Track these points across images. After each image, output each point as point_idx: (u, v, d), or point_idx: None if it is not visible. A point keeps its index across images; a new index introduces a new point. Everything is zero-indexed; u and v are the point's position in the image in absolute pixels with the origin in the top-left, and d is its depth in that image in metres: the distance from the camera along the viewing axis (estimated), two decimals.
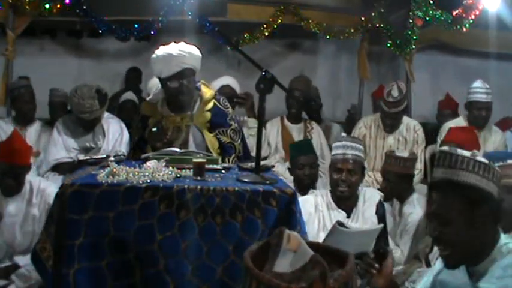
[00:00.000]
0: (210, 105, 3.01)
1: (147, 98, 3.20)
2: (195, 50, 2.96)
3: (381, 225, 2.82)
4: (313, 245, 1.16)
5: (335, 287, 1.04)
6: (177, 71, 2.88)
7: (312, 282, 1.02)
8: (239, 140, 3.03)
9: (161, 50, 2.92)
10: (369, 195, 3.12)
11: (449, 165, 1.70)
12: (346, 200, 3.07)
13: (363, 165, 3.15)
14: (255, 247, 1.19)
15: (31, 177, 3.36)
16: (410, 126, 4.43)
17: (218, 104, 3.03)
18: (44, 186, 3.27)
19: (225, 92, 4.24)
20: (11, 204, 3.19)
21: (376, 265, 1.81)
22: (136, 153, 3.00)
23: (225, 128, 2.99)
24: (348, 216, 3.05)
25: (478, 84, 4.34)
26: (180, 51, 2.89)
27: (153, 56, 2.93)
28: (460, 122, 4.46)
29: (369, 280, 1.88)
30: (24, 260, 3.05)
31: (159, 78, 2.98)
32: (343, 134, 3.63)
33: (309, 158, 3.63)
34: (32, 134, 4.28)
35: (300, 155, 3.64)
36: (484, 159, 1.71)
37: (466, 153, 1.72)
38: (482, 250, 1.70)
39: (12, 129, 3.91)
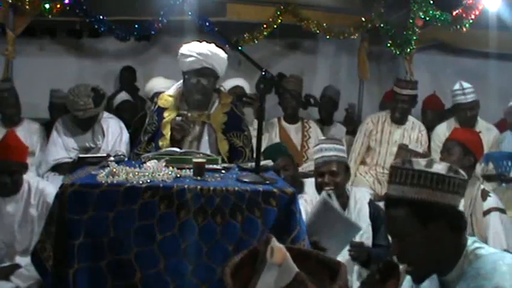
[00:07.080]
0: (228, 108, 3.09)
1: (166, 92, 3.20)
2: (221, 53, 3.03)
3: (362, 227, 2.78)
4: (305, 253, 1.11)
5: None
6: (196, 68, 2.97)
7: None
8: (249, 147, 3.10)
9: (189, 45, 3.02)
10: (359, 196, 3.09)
11: (400, 182, 1.63)
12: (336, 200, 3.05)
13: (346, 164, 3.13)
14: (237, 259, 1.14)
15: (29, 177, 3.36)
16: (416, 126, 4.55)
17: (235, 109, 3.11)
18: (42, 186, 3.26)
19: (236, 92, 4.30)
20: (8, 205, 3.18)
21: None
22: (149, 145, 3.03)
23: (239, 132, 3.07)
24: None
25: (457, 86, 4.43)
26: (204, 50, 2.97)
27: (181, 48, 3.03)
28: (450, 124, 4.50)
29: None
30: (24, 260, 3.05)
31: (182, 72, 3.05)
32: (321, 138, 3.57)
33: (280, 162, 3.56)
34: (20, 134, 4.25)
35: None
36: (438, 170, 1.62)
37: (421, 164, 1.63)
38: (448, 261, 1.65)
39: (1, 130, 3.92)
